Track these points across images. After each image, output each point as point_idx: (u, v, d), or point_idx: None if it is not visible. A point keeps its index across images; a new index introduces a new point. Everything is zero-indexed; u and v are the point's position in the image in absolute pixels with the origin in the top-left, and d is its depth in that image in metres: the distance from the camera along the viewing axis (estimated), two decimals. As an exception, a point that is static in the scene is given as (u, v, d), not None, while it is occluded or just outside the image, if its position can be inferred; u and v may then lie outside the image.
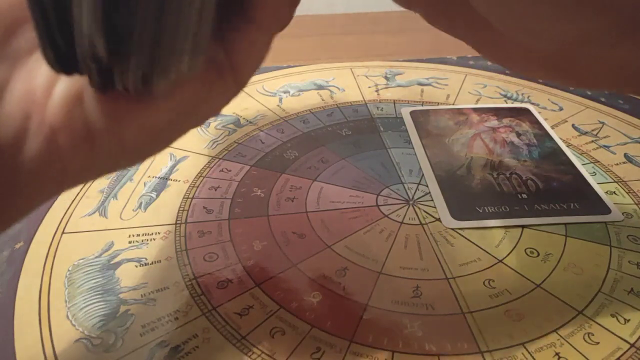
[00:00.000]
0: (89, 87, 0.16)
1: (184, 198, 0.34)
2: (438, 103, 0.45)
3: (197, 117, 0.19)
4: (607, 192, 0.35)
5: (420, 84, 0.48)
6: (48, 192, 0.18)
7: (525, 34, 0.17)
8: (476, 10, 0.17)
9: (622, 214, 0.33)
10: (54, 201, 0.34)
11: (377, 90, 0.47)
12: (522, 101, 0.46)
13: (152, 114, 0.17)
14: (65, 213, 0.33)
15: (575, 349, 0.25)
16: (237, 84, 0.19)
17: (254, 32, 0.18)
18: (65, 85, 0.16)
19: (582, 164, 0.38)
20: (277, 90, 0.46)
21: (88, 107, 0.16)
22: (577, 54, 0.18)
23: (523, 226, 0.32)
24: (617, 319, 0.27)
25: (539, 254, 0.31)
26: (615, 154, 0.39)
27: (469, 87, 0.48)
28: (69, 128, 0.16)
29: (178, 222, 0.32)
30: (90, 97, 0.16)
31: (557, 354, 0.25)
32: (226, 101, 0.20)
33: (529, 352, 0.25)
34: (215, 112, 0.20)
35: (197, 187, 0.35)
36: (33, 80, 0.16)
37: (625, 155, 0.39)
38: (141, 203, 0.34)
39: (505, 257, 0.30)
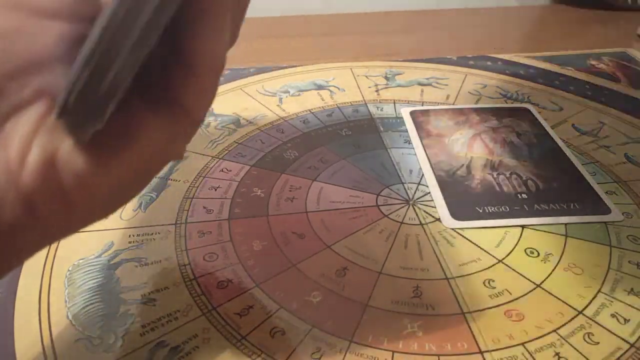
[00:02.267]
0: (62, 151, 0.16)
1: (184, 198, 0.34)
2: (438, 103, 0.45)
3: (162, 160, 0.20)
4: (607, 192, 0.35)
5: (420, 84, 0.48)
6: (30, 252, 0.18)
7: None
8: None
9: (622, 214, 0.33)
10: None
11: (377, 90, 0.47)
12: (522, 101, 0.46)
13: (119, 167, 0.18)
14: (65, 213, 0.33)
15: (575, 349, 0.25)
16: (193, 124, 0.20)
17: (198, 79, 0.19)
18: (38, 152, 0.16)
19: (582, 164, 0.38)
20: (277, 90, 0.46)
21: (62, 170, 0.17)
22: None
23: (523, 226, 0.32)
24: (617, 319, 0.27)
25: (539, 254, 0.31)
26: (615, 154, 0.39)
27: (469, 87, 0.48)
28: (45, 193, 0.16)
29: (178, 222, 0.32)
30: (64, 160, 0.16)
31: (557, 354, 0.25)
32: (187, 141, 0.20)
33: (529, 352, 0.25)
34: (179, 152, 0.21)
35: (197, 187, 0.35)
36: (7, 150, 0.16)
37: (625, 155, 0.39)
38: (141, 203, 0.34)
39: (505, 257, 0.30)
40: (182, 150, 0.20)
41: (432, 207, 0.34)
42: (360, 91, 0.47)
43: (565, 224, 0.33)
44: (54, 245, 0.30)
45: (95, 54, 0.15)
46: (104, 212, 0.20)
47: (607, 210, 0.33)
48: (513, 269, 0.30)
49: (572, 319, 0.27)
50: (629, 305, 0.28)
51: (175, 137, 0.19)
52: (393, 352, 0.25)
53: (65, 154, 0.17)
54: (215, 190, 0.35)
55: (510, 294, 0.28)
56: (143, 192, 0.34)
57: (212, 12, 0.18)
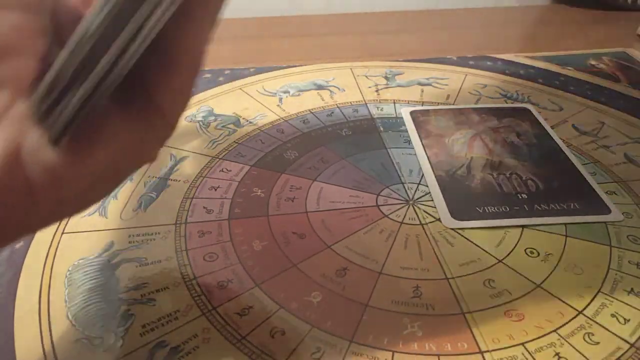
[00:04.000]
0: (29, 143, 0.16)
1: (184, 198, 0.34)
2: (438, 103, 0.45)
3: (133, 162, 0.20)
4: (607, 192, 0.35)
5: (420, 84, 0.48)
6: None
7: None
8: None
9: (622, 214, 0.33)
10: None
11: (377, 90, 0.47)
12: (522, 101, 0.46)
13: (89, 164, 0.17)
14: (65, 213, 0.33)
15: (575, 349, 0.25)
16: (167, 127, 0.19)
17: (177, 78, 0.18)
18: (1, 143, 0.16)
19: (582, 164, 0.38)
20: (277, 90, 0.46)
21: (28, 163, 0.16)
22: None
23: (523, 226, 0.32)
24: (617, 319, 0.27)
25: (539, 254, 0.31)
26: (615, 154, 0.39)
27: (469, 87, 0.48)
28: (9, 186, 0.16)
29: (178, 222, 0.32)
30: (31, 153, 0.16)
31: (557, 354, 0.25)
32: (160, 144, 0.20)
33: (529, 352, 0.25)
34: (151, 155, 0.20)
35: (197, 187, 0.35)
36: None
37: (625, 155, 0.39)
38: (141, 203, 0.34)
39: (505, 257, 0.30)
40: (154, 154, 0.20)
41: (432, 207, 0.34)
42: (360, 91, 0.47)
43: (565, 224, 0.33)
44: (54, 245, 0.31)
45: (71, 70, 0.15)
46: (70, 210, 0.19)
47: (607, 210, 0.33)
48: (513, 269, 0.30)
49: (572, 319, 0.27)
50: (629, 305, 0.28)
51: (147, 139, 0.19)
52: (393, 352, 0.25)
53: (33, 146, 0.16)
54: (215, 190, 0.35)
55: (510, 294, 0.28)
56: (143, 192, 0.34)
57: (199, 10, 0.17)
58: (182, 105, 0.19)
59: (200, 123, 0.42)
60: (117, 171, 0.19)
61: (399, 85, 0.48)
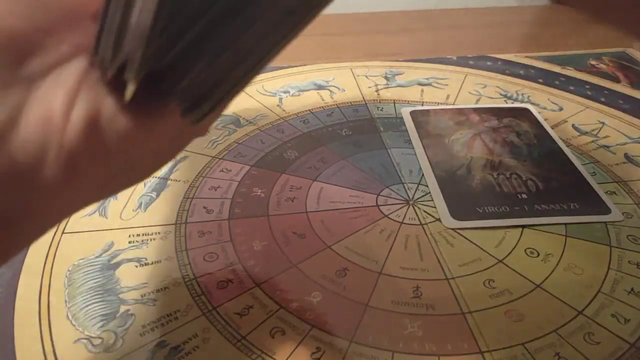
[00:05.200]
0: (105, 109, 0.16)
1: (184, 198, 0.34)
2: (438, 103, 0.45)
3: (190, 135, 0.20)
4: (607, 192, 0.35)
5: (420, 84, 0.48)
6: (56, 218, 0.18)
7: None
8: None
9: (622, 214, 0.33)
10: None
11: (377, 90, 0.47)
12: (522, 101, 0.46)
13: (159, 133, 0.17)
14: (65, 213, 0.33)
15: (575, 349, 0.25)
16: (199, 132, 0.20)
17: None
18: (83, 108, 0.16)
19: (582, 164, 0.38)
20: (277, 90, 0.46)
21: (106, 128, 0.16)
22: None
23: (523, 226, 0.32)
24: (617, 319, 0.27)
25: (539, 254, 0.31)
26: (615, 154, 0.39)
27: (469, 87, 0.48)
28: (88, 151, 0.16)
29: (178, 222, 0.32)
30: (108, 119, 0.16)
31: (557, 354, 0.25)
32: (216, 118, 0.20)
33: (529, 352, 0.25)
34: (205, 128, 0.21)
35: (197, 187, 0.35)
36: (50, 104, 0.15)
37: (625, 155, 0.39)
38: (141, 203, 0.34)
39: (505, 257, 0.30)
40: (209, 125, 0.20)
41: (432, 207, 0.34)
42: (360, 91, 0.47)
43: (565, 224, 0.33)
44: (54, 245, 0.31)
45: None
46: (136, 178, 0.19)
47: (607, 210, 0.33)
48: (513, 269, 0.30)
49: (572, 319, 0.27)
50: (629, 305, 0.28)
51: (186, 134, 0.19)
52: (393, 352, 0.25)
53: (109, 112, 0.16)
54: (215, 190, 0.35)
55: (511, 294, 0.28)
56: (143, 192, 0.34)
57: None
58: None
59: (200, 123, 0.41)
60: (180, 140, 0.19)
61: (399, 85, 0.48)
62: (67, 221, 0.32)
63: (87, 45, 0.16)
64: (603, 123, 0.43)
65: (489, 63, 0.52)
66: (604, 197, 0.34)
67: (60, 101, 0.15)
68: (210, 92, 0.16)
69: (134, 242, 0.31)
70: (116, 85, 0.16)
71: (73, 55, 0.16)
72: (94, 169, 0.17)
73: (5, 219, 0.16)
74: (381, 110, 0.44)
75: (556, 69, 0.52)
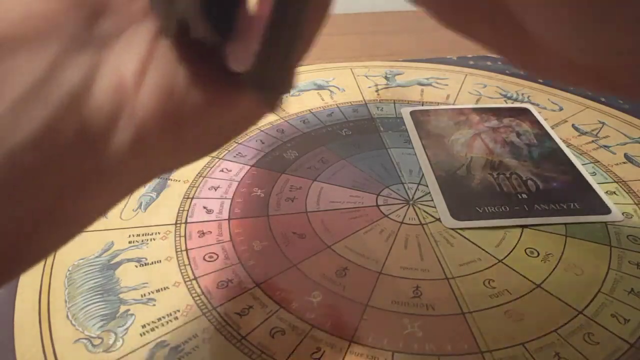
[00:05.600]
0: (179, 80, 0.15)
1: (184, 198, 0.34)
2: (438, 103, 0.45)
3: (263, 112, 0.19)
4: (607, 192, 0.35)
5: (420, 84, 0.48)
6: (126, 188, 0.17)
7: (574, 47, 0.14)
8: (508, 11, 0.15)
9: (622, 214, 0.33)
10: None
11: (377, 90, 0.47)
12: (522, 101, 0.46)
13: (230, 109, 0.17)
14: (65, 213, 0.33)
15: (575, 349, 0.25)
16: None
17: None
18: (157, 74, 0.15)
19: (582, 164, 0.38)
20: (277, 90, 0.46)
21: (179, 99, 0.15)
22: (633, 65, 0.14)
23: (523, 226, 0.32)
24: (617, 319, 0.27)
25: (539, 254, 0.31)
26: (615, 154, 0.39)
27: (469, 87, 0.48)
28: (160, 121, 0.15)
29: (178, 222, 0.32)
30: (181, 90, 0.15)
31: (557, 354, 0.25)
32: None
33: (529, 352, 0.25)
34: (277, 104, 0.19)
35: (197, 187, 0.35)
36: (123, 68, 0.15)
37: (625, 155, 0.39)
38: (141, 203, 0.34)
39: (505, 257, 0.30)
40: (280, 102, 0.19)
41: (432, 207, 0.34)
42: (360, 91, 0.47)
43: (565, 224, 0.33)
44: (54, 245, 0.31)
45: None
46: (205, 149, 0.18)
47: (607, 210, 0.33)
48: (513, 269, 0.30)
49: (572, 319, 0.27)
50: (629, 305, 0.28)
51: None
52: (393, 352, 0.25)
53: (182, 83, 0.15)
54: (215, 190, 0.35)
55: (510, 294, 0.28)
56: (142, 192, 0.34)
57: None
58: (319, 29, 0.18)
59: (200, 123, 0.41)
60: (249, 118, 0.18)
61: (399, 85, 0.48)
62: (67, 221, 0.32)
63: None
64: (603, 123, 0.43)
65: (489, 63, 0.52)
66: (604, 197, 0.34)
67: (132, 67, 0.15)
68: (282, 75, 0.16)
69: (134, 242, 0.31)
70: (190, 55, 0.15)
71: (143, 17, 0.15)
72: (162, 140, 0.16)
73: (77, 185, 0.15)
74: (381, 110, 0.44)
75: (556, 69, 0.51)
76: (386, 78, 0.49)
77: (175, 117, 0.16)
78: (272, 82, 0.16)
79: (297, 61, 0.16)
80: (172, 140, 0.16)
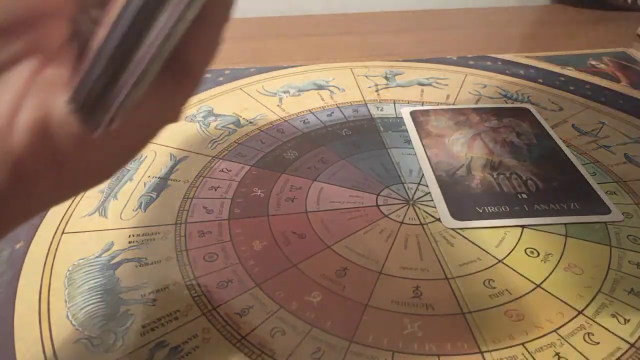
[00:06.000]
0: (57, 111, 0.15)
1: (184, 198, 0.34)
2: (438, 103, 0.45)
3: (160, 124, 0.19)
4: (607, 192, 0.35)
5: (420, 84, 0.48)
6: (13, 222, 0.17)
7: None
8: None
9: (622, 214, 0.33)
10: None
11: (377, 90, 0.47)
12: (522, 101, 0.46)
13: (117, 133, 0.17)
14: (65, 213, 0.33)
15: (575, 349, 0.25)
16: (194, 84, 0.19)
17: (207, 31, 0.17)
18: (30, 111, 0.15)
19: (582, 164, 0.38)
20: (277, 90, 0.46)
21: (56, 131, 0.16)
22: None
23: (523, 226, 0.32)
24: (617, 319, 0.27)
25: (539, 254, 0.31)
26: (615, 154, 0.39)
27: (469, 87, 0.48)
28: (36, 156, 0.16)
29: (178, 222, 0.32)
30: (59, 121, 0.15)
31: (557, 354, 0.25)
32: (184, 103, 0.19)
33: (529, 352, 0.25)
34: (177, 116, 0.19)
35: (197, 187, 0.35)
36: None
37: (625, 155, 0.39)
38: (141, 203, 0.34)
39: (505, 257, 0.30)
40: (179, 113, 0.19)
41: (432, 207, 0.34)
42: (360, 91, 0.47)
43: (565, 224, 0.33)
44: (54, 245, 0.31)
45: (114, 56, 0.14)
46: (93, 180, 0.19)
47: (607, 210, 0.33)
48: (513, 269, 0.30)
49: (572, 319, 0.27)
50: (629, 305, 0.28)
51: (176, 100, 0.18)
52: (393, 352, 0.25)
53: (61, 114, 0.15)
54: (215, 190, 0.35)
55: (510, 294, 0.28)
56: (143, 192, 0.34)
57: None
58: (210, 57, 0.18)
59: (200, 123, 0.42)
60: (144, 137, 0.18)
61: (399, 85, 0.48)
62: (67, 221, 0.32)
63: (42, 43, 0.15)
64: (603, 123, 0.43)
65: (489, 63, 0.52)
66: (604, 197, 0.34)
67: (6, 104, 0.15)
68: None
69: (134, 242, 0.31)
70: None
71: (25, 55, 0.15)
72: (46, 174, 0.16)
73: None
74: (381, 110, 0.44)
75: (556, 69, 0.52)
76: (386, 78, 0.49)
77: (53, 150, 0.16)
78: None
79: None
80: (52, 177, 0.16)
